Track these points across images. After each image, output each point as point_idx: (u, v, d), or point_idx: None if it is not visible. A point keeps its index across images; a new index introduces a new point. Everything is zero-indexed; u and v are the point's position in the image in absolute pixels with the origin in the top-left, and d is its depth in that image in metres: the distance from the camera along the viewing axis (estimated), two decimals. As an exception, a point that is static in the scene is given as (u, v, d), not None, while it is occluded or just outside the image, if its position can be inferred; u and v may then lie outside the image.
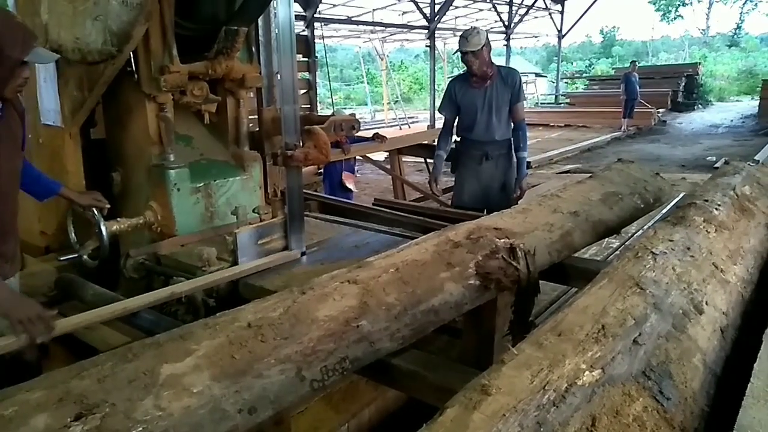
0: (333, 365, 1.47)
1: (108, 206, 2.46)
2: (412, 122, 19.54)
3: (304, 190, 2.90)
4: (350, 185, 5.70)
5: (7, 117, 1.92)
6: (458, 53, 3.90)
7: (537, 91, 26.79)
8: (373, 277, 1.74)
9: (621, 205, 2.92)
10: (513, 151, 4.11)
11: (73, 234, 2.57)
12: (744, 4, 35.63)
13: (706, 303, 1.74)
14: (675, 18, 37.01)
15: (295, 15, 2.41)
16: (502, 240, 2.05)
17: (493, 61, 3.99)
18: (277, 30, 2.59)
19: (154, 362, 1.25)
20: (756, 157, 9.01)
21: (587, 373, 1.25)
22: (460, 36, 3.87)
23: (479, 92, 3.93)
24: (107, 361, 1.24)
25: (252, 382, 1.30)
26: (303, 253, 2.52)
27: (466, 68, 3.95)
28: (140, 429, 1.09)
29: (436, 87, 15.33)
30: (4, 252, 1.99)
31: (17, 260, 2.10)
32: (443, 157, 4.26)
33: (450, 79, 4.96)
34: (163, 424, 1.13)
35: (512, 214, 2.48)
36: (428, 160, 7.00)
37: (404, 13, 16.72)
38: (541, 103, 23.04)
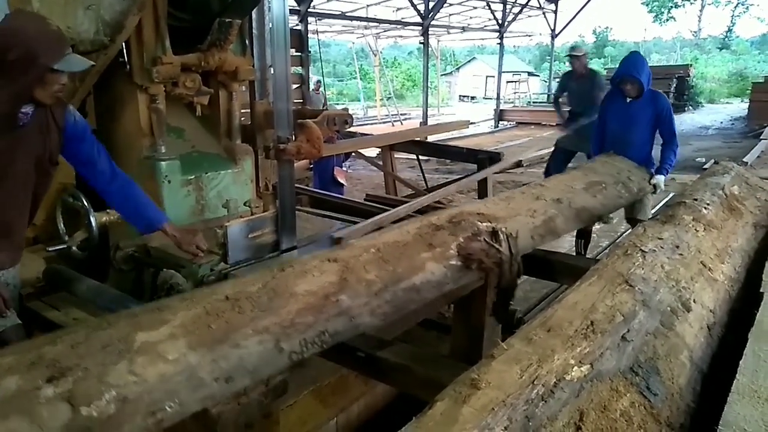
0: (312, 338, 1.46)
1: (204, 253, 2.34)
2: (405, 119, 19.57)
3: (296, 185, 2.89)
4: (341, 180, 5.73)
5: (38, 121, 1.89)
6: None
7: (530, 90, 26.88)
8: (354, 256, 1.75)
9: (605, 193, 2.99)
10: None
11: (62, 225, 2.55)
12: (735, 7, 36.02)
13: (694, 301, 1.76)
14: (667, 19, 37.28)
15: (289, 9, 2.40)
16: (484, 224, 2.09)
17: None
18: (271, 23, 2.58)
19: (129, 330, 1.24)
20: (745, 159, 9.10)
21: (576, 368, 1.26)
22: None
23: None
24: (82, 329, 1.23)
25: (229, 351, 1.30)
26: (294, 248, 2.52)
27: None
28: (113, 393, 1.08)
29: (429, 84, 15.33)
30: (5, 246, 1.99)
31: (19, 254, 2.10)
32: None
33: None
34: (137, 389, 1.11)
35: (495, 201, 2.53)
36: (420, 157, 7.00)
37: (398, 9, 16.70)
38: (534, 102, 23.11)
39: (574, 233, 4.77)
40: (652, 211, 4.13)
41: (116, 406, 1.06)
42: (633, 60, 3.95)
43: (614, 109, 4.05)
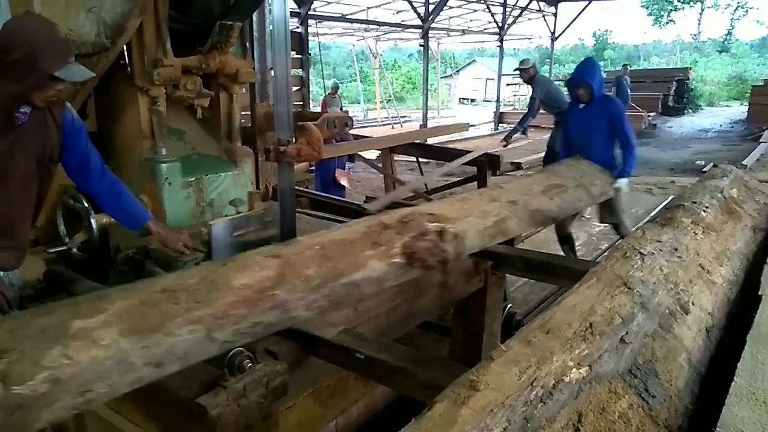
0: (245, 328, 1.54)
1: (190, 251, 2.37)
2: (405, 121, 19.56)
3: (296, 187, 2.90)
4: (343, 182, 5.74)
5: (37, 122, 1.90)
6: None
7: (529, 92, 26.84)
8: (296, 253, 1.83)
9: (563, 196, 3.06)
10: None
11: (62, 226, 2.56)
12: (735, 10, 36.03)
13: (693, 303, 1.77)
14: (667, 23, 37.28)
15: (290, 12, 2.41)
16: (433, 224, 2.15)
17: None
18: (271, 26, 2.59)
19: (67, 317, 1.32)
20: (744, 162, 9.11)
21: (574, 370, 1.27)
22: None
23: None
24: (21, 316, 1.34)
25: (161, 339, 1.38)
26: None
27: None
28: (46, 374, 1.15)
29: (429, 86, 15.34)
30: (8, 247, 1.99)
31: (23, 255, 2.10)
32: None
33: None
34: (70, 371, 1.19)
35: (452, 202, 2.60)
36: (420, 159, 7.01)
37: (398, 12, 16.71)
38: (534, 105, 23.05)
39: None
40: (652, 214, 4.16)
41: (48, 386, 1.15)
42: (586, 66, 4.10)
43: (574, 115, 4.18)
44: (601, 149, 3.91)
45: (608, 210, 4.19)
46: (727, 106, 25.38)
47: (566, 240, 4.67)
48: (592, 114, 3.97)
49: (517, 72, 6.79)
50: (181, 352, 1.40)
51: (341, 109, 11.60)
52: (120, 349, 1.30)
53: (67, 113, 2.02)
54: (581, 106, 4.05)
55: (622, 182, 3.81)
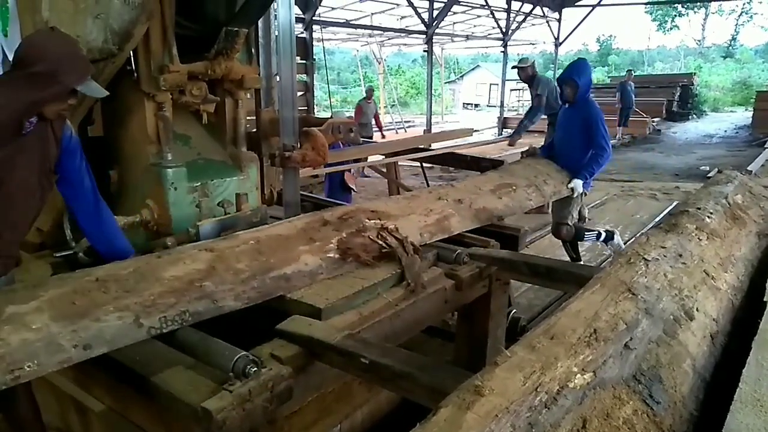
0: (173, 316, 1.66)
1: None
2: (409, 126, 19.58)
3: (300, 192, 2.91)
4: (351, 185, 5.80)
5: (38, 133, 1.93)
6: None
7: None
8: (230, 247, 1.93)
9: (512, 195, 3.19)
10: None
11: (68, 231, 2.57)
12: (739, 16, 35.99)
13: (697, 309, 1.77)
14: (671, 28, 37.30)
15: (295, 17, 2.43)
16: (372, 221, 2.26)
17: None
18: (277, 32, 2.61)
19: (1, 303, 1.46)
20: (749, 167, 9.08)
21: (579, 376, 1.27)
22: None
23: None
24: None
25: (89, 324, 1.51)
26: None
27: None
28: None
29: (432, 92, 15.36)
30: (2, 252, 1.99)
31: (12, 262, 2.10)
32: None
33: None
34: (0, 351, 1.33)
35: (398, 200, 2.72)
36: (424, 164, 7.02)
37: (402, 17, 16.76)
38: (537, 110, 23.02)
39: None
40: (656, 220, 4.16)
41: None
42: (577, 64, 4.16)
43: (561, 115, 4.25)
44: (578, 150, 3.95)
45: (559, 206, 4.20)
46: (731, 111, 25.31)
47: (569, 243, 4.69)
48: (573, 115, 4.01)
49: (516, 71, 6.58)
50: (109, 337, 1.53)
51: (375, 113, 11.42)
52: (50, 332, 1.43)
53: (66, 129, 2.06)
54: (567, 106, 4.10)
55: (577, 183, 3.81)
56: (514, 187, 3.24)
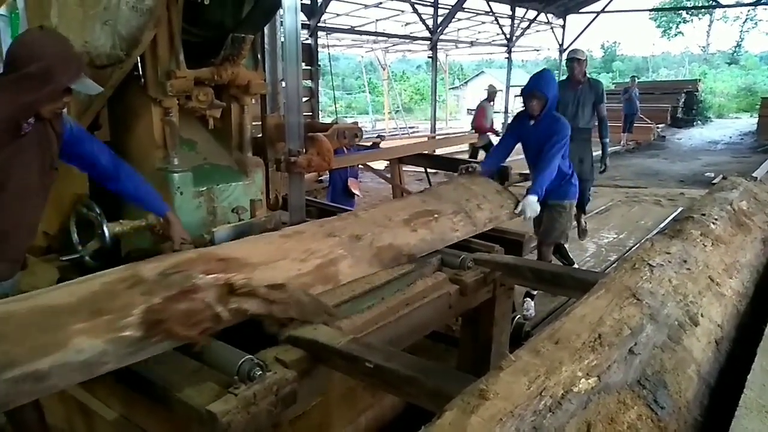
0: None
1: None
2: (413, 132, 19.61)
3: (306, 197, 2.93)
4: (355, 191, 5.83)
5: (37, 132, 1.95)
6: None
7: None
8: None
9: (431, 226, 2.61)
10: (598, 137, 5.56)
11: (75, 235, 2.59)
12: (744, 22, 35.96)
13: (702, 315, 1.76)
14: (676, 34, 37.28)
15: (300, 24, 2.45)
16: (212, 275, 1.70)
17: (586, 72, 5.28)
18: (283, 38, 2.63)
19: None
20: (754, 174, 9.07)
21: (583, 380, 1.27)
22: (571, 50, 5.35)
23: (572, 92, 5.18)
24: None
25: None
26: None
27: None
28: None
29: (437, 98, 15.39)
30: (3, 257, 2.01)
31: (17, 265, 2.12)
32: None
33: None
34: None
35: (273, 240, 2.19)
36: (428, 170, 7.04)
37: (407, 24, 16.83)
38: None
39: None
40: (661, 226, 4.13)
41: None
42: (542, 76, 3.73)
43: (523, 131, 3.77)
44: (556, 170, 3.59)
45: (547, 222, 3.99)
46: (736, 117, 25.29)
47: (557, 249, 4.63)
48: (540, 131, 3.60)
49: (570, 62, 5.30)
50: None
51: (490, 117, 10.68)
52: None
53: (65, 123, 2.08)
54: (531, 122, 3.64)
55: (530, 201, 3.27)
56: (435, 215, 2.65)
